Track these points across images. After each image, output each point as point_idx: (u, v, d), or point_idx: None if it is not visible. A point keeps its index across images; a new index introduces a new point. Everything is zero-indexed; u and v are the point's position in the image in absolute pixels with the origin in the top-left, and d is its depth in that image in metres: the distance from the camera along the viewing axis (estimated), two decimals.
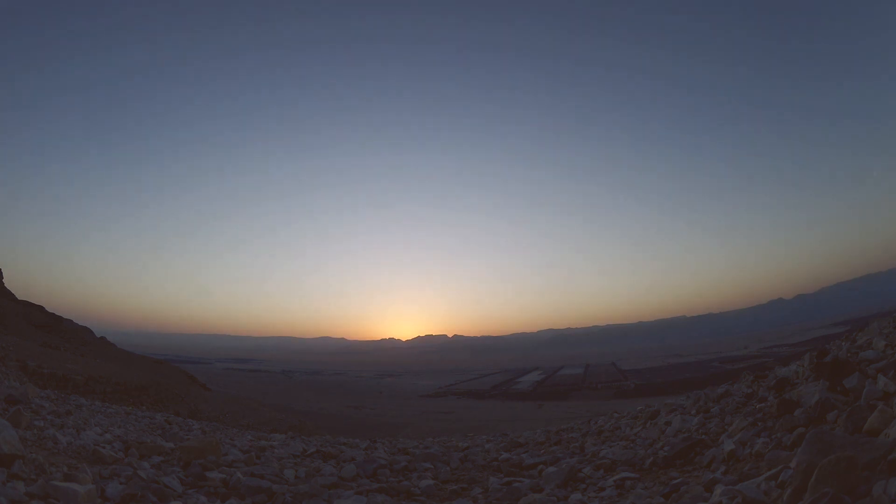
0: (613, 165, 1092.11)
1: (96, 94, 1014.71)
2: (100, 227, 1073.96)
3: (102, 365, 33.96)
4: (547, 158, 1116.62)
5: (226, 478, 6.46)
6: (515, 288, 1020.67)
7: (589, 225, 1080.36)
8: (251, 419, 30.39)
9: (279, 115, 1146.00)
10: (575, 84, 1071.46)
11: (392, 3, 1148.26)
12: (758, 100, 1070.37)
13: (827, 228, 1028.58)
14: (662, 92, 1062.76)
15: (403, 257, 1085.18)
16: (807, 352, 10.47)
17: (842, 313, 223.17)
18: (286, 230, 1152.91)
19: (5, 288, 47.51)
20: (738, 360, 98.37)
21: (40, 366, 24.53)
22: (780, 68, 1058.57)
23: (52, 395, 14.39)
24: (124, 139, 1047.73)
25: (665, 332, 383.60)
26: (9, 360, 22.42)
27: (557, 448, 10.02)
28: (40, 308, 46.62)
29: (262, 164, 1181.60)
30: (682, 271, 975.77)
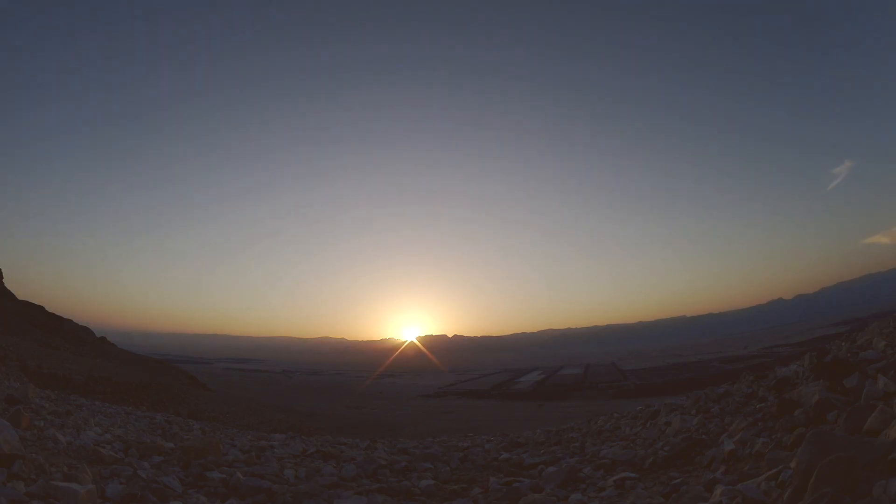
0: (613, 165, 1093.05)
1: (97, 93, 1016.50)
2: (100, 227, 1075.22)
3: (102, 365, 33.99)
4: (547, 158, 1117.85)
5: (226, 478, 6.47)
6: (515, 288, 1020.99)
7: (589, 225, 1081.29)
8: (251, 419, 30.40)
9: (280, 115, 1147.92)
10: (575, 84, 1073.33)
11: (400, 3, 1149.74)
12: (758, 98, 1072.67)
13: (827, 228, 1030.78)
14: (662, 91, 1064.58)
15: (403, 257, 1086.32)
16: (807, 352, 10.47)
17: (842, 313, 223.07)
18: (286, 230, 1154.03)
19: (5, 288, 47.57)
20: (738, 360, 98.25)
21: (40, 366, 24.56)
22: (779, 65, 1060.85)
23: (52, 395, 14.41)
24: (125, 139, 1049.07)
25: (665, 332, 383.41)
26: (9, 360, 22.42)
27: (557, 448, 10.03)
28: (41, 308, 46.69)
29: (262, 164, 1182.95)
30: (683, 271, 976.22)
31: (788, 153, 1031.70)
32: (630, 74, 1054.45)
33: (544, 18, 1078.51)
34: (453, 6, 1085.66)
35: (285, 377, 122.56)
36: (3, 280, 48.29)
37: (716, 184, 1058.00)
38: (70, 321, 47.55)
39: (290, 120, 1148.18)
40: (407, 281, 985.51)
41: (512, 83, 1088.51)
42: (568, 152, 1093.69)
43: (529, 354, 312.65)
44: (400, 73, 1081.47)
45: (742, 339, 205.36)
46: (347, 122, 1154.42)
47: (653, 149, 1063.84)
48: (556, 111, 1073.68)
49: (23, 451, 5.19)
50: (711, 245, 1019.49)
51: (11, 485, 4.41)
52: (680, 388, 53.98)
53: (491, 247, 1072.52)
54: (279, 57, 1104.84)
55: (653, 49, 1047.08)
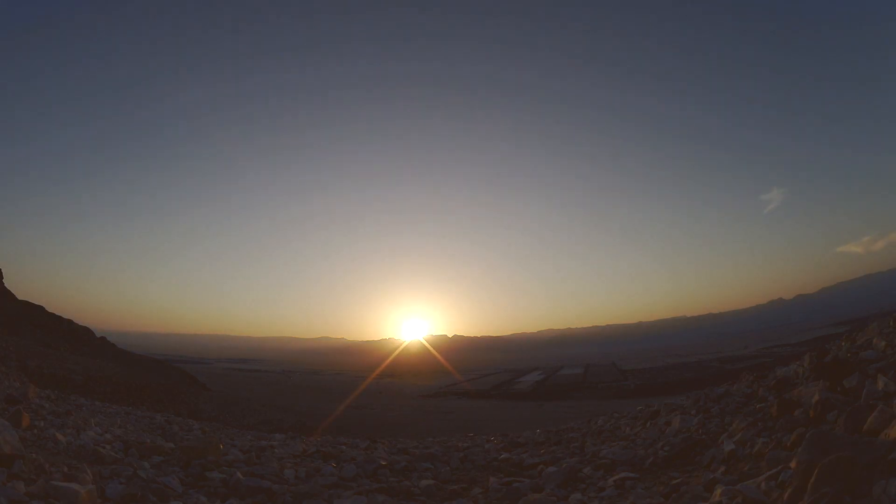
0: (613, 165, 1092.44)
1: (96, 94, 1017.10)
2: (100, 227, 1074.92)
3: (102, 365, 33.96)
4: (547, 158, 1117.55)
5: (226, 478, 6.47)
6: (515, 288, 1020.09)
7: (589, 225, 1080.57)
8: (251, 419, 30.38)
9: (279, 115, 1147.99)
10: (575, 84, 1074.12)
11: (394, 3, 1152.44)
12: (756, 99, 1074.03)
13: (834, 225, 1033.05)
14: (662, 91, 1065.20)
15: (404, 257, 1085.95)
16: (807, 352, 10.48)
17: (842, 313, 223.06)
18: (286, 230, 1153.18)
19: (5, 288, 47.53)
20: (738, 360, 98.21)
21: (40, 366, 24.55)
22: (781, 67, 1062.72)
23: (52, 395, 14.39)
24: (124, 140, 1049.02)
25: (665, 332, 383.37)
26: (9, 360, 22.42)
27: (557, 448, 10.02)
28: (41, 308, 46.60)
29: (262, 164, 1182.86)
30: (682, 271, 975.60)
31: (791, 150, 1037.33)
32: (628, 71, 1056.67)
33: (532, 36, 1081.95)
34: (448, 26, 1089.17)
35: (285, 377, 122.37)
36: (3, 280, 48.28)
37: (716, 183, 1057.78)
38: (70, 321, 47.45)
39: (292, 121, 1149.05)
40: (407, 281, 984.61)
41: (511, 81, 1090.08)
42: (567, 153, 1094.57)
43: (529, 354, 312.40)
44: (404, 80, 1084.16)
45: (742, 339, 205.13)
46: (348, 123, 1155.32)
47: (652, 148, 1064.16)
48: (555, 114, 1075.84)
49: (23, 451, 5.19)
50: (711, 244, 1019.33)
51: (11, 485, 4.41)
52: (680, 388, 53.95)
53: (491, 247, 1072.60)
54: (287, 67, 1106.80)
55: (646, 45, 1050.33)
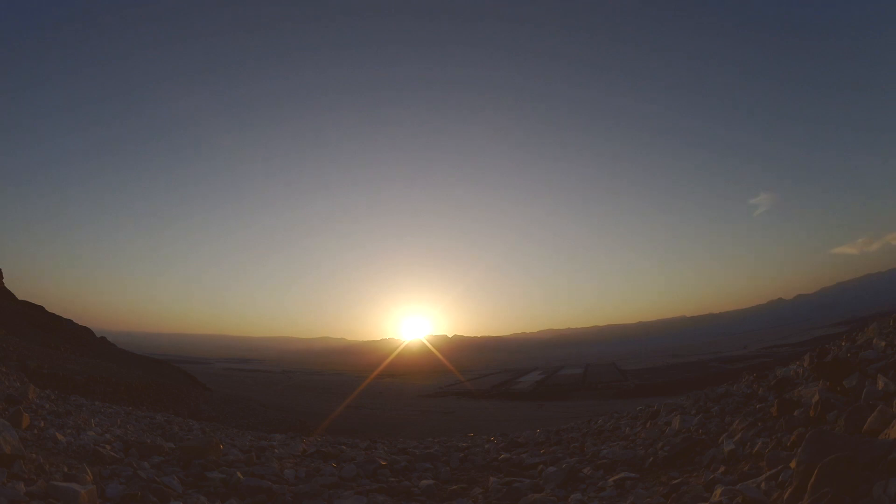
0: (612, 167, 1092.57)
1: (97, 95, 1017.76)
2: (100, 228, 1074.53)
3: (102, 365, 33.96)
4: (546, 158, 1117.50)
5: (226, 478, 6.47)
6: (515, 288, 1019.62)
7: (589, 225, 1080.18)
8: (251, 419, 30.39)
9: (278, 115, 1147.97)
10: (574, 83, 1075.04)
11: (392, 3, 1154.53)
12: (757, 99, 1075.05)
13: (827, 228, 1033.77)
14: (661, 91, 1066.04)
15: (404, 257, 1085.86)
16: (807, 352, 10.50)
17: (842, 313, 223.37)
18: (286, 230, 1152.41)
19: (5, 288, 47.57)
20: (738, 360, 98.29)
21: (40, 366, 24.52)
22: (770, 71, 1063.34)
23: (52, 395, 14.40)
24: (124, 142, 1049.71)
25: (665, 332, 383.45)
26: (9, 360, 22.42)
27: (557, 448, 10.03)
28: (41, 308, 46.64)
29: (261, 164, 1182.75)
30: (682, 271, 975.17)
31: (791, 150, 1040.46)
32: (628, 71, 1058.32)
33: (548, 16, 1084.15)
34: (452, 31, 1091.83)
35: (285, 377, 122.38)
36: (3, 280, 48.30)
37: (716, 183, 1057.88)
38: (70, 321, 47.49)
39: (287, 117, 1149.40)
40: (407, 281, 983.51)
41: (511, 81, 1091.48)
42: (566, 156, 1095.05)
43: (529, 354, 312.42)
44: (405, 83, 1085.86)
45: (742, 339, 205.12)
46: (346, 120, 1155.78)
47: (651, 148, 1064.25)
48: (556, 117, 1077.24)
49: (23, 451, 5.19)
50: (711, 244, 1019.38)
51: (11, 485, 4.41)
52: (680, 388, 53.95)
53: (491, 247, 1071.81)
54: (289, 70, 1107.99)
55: (644, 45, 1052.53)
